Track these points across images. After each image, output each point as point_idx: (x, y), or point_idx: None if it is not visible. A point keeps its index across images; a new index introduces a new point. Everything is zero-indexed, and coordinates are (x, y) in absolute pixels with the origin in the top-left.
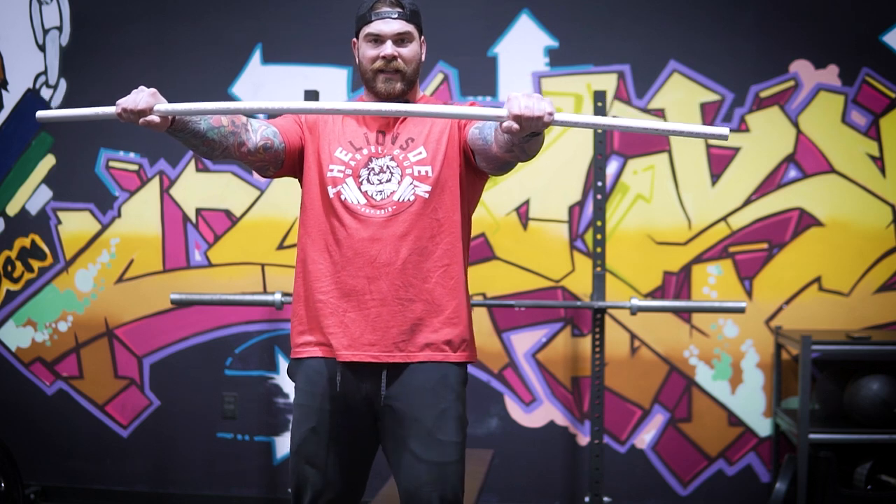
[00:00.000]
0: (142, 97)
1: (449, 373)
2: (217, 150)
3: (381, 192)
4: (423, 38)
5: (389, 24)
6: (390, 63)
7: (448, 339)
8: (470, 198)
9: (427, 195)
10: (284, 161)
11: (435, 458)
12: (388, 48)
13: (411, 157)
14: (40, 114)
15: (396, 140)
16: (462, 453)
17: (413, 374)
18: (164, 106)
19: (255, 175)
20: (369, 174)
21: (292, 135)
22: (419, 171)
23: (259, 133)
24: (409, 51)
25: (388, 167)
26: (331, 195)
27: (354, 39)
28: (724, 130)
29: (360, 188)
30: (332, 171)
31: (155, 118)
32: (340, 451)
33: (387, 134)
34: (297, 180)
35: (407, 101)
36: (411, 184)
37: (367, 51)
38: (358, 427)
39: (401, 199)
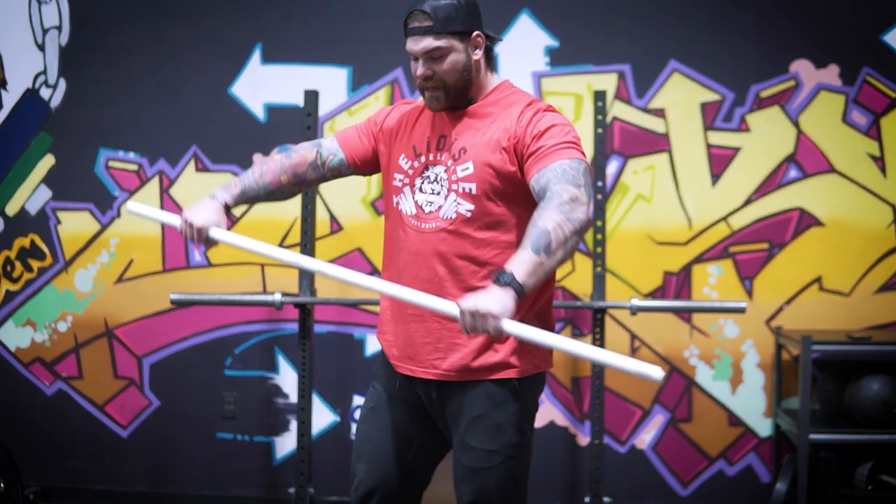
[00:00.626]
0: (194, 234)
1: (489, 386)
2: (288, 198)
3: (430, 203)
4: (473, 35)
5: (418, 43)
6: (427, 82)
7: (485, 364)
8: (528, 207)
9: (469, 214)
10: (359, 170)
11: (468, 463)
12: (420, 68)
13: (459, 171)
14: (130, 205)
15: (452, 147)
16: (502, 461)
17: (452, 384)
18: (217, 234)
19: None
20: (423, 182)
21: (356, 147)
22: (463, 188)
23: (327, 165)
24: (445, 65)
25: (439, 177)
26: (393, 203)
27: None
28: (658, 373)
29: (414, 197)
30: (395, 179)
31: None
32: (391, 438)
33: (448, 138)
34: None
35: (471, 102)
36: (455, 201)
37: (411, 65)
38: (412, 420)
39: (444, 216)
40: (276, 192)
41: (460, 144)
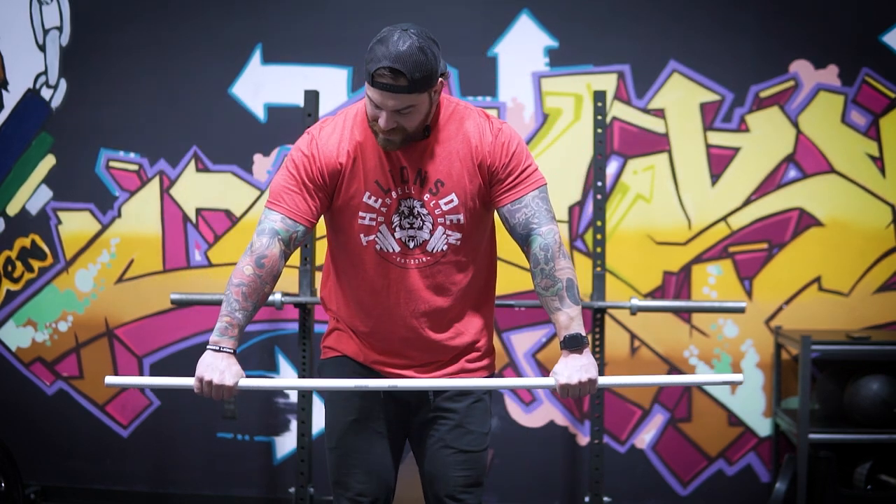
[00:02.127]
0: (223, 393)
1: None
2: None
3: (413, 238)
4: (440, 80)
5: (389, 100)
6: (390, 133)
7: (482, 366)
8: (491, 217)
9: (459, 242)
10: (316, 221)
11: (464, 447)
12: (384, 120)
13: (443, 205)
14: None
15: (425, 181)
16: (488, 443)
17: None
18: (244, 384)
19: (255, 175)
20: (401, 219)
21: (307, 211)
22: (451, 220)
23: (294, 243)
24: (410, 119)
25: (419, 212)
26: (364, 243)
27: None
28: (739, 377)
29: (393, 235)
30: (363, 218)
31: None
32: (381, 444)
33: (411, 170)
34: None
35: (427, 131)
36: (444, 234)
37: (368, 105)
38: (395, 420)
39: (434, 250)
40: (264, 302)
41: (434, 176)
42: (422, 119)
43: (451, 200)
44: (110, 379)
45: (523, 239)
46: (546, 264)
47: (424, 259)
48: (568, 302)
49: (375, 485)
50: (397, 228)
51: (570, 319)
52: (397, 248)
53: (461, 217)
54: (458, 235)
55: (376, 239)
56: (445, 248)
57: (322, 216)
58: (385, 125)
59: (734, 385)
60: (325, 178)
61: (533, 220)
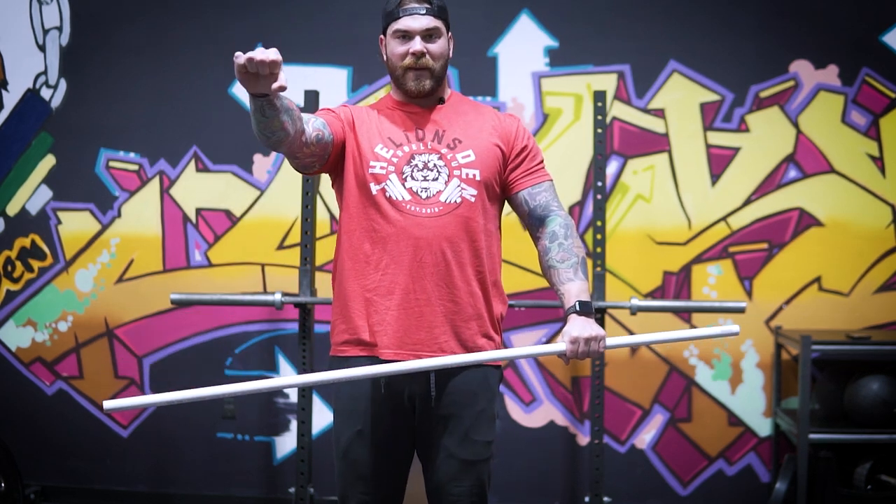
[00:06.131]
0: (267, 56)
1: (489, 375)
2: (285, 135)
3: (426, 189)
4: (450, 34)
5: (418, 20)
6: (420, 60)
7: (485, 348)
8: (501, 204)
9: (473, 199)
10: (330, 155)
11: (468, 457)
12: (417, 44)
13: (459, 158)
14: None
15: (442, 138)
16: (492, 451)
17: (456, 374)
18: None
19: (255, 175)
20: (413, 170)
21: (337, 127)
22: (467, 174)
23: (311, 124)
24: (437, 47)
25: (435, 165)
26: (374, 191)
27: (382, 37)
28: (735, 328)
29: (403, 185)
30: (373, 167)
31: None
32: (385, 455)
33: (427, 131)
34: (308, 178)
35: (440, 99)
36: (458, 186)
37: (395, 48)
38: (401, 429)
39: (447, 200)
40: (290, 112)
41: (451, 135)
42: (443, 59)
43: (469, 155)
44: (108, 404)
45: (541, 220)
46: (566, 239)
47: (439, 209)
48: (581, 275)
49: (381, 497)
50: (408, 178)
51: (581, 290)
52: (408, 197)
53: (477, 173)
54: (474, 191)
55: (386, 187)
56: (459, 200)
57: (334, 190)
58: (418, 48)
59: (731, 336)
60: (352, 119)
61: (553, 203)
